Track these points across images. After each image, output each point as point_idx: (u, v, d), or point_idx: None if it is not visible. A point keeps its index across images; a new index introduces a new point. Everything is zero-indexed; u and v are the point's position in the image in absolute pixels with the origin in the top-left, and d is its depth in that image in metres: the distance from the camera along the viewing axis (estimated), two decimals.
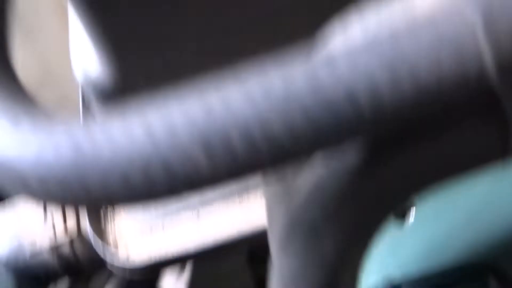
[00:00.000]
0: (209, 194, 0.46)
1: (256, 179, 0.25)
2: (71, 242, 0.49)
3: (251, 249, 0.57)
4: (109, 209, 0.48)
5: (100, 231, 0.48)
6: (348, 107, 0.22)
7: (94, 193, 0.24)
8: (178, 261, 0.46)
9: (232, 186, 0.45)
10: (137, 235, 0.47)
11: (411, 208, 0.41)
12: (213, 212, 0.46)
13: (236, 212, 0.46)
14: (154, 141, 0.23)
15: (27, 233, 0.51)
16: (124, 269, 0.47)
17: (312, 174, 0.27)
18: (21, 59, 0.63)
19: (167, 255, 0.46)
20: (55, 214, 0.51)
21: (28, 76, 0.65)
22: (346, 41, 0.26)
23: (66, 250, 0.50)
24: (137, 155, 0.23)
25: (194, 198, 0.46)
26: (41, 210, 0.51)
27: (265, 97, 0.23)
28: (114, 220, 0.48)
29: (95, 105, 0.42)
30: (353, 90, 0.22)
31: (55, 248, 0.49)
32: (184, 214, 0.47)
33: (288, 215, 0.29)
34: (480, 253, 0.37)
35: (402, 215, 0.41)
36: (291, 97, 0.23)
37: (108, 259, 0.47)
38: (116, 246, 0.47)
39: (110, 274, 0.59)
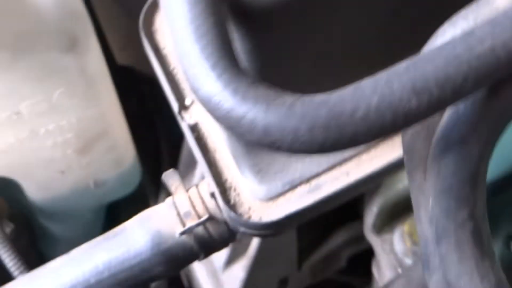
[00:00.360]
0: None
1: None
2: (203, 223, 0.62)
3: None
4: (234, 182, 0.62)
5: (229, 198, 0.61)
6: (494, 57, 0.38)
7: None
8: (306, 215, 0.60)
9: None
10: (264, 197, 0.60)
11: None
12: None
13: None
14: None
15: (164, 224, 0.64)
16: (256, 230, 0.60)
17: None
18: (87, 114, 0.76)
19: (297, 210, 0.60)
20: (183, 203, 0.64)
21: (87, 128, 0.78)
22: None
23: (201, 231, 0.63)
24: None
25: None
26: (171, 203, 0.64)
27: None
28: (240, 187, 0.61)
29: None
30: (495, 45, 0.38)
31: (190, 232, 0.63)
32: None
33: (436, 139, 0.44)
34: None
35: None
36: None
37: (241, 224, 0.60)
38: (247, 212, 0.60)
39: None
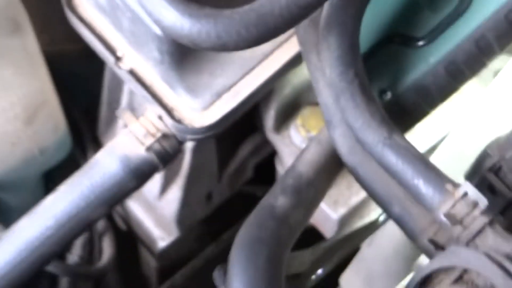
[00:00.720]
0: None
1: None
2: (158, 140, 0.78)
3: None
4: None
5: (174, 116, 0.77)
6: None
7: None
8: (233, 115, 0.77)
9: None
10: (199, 109, 0.77)
11: None
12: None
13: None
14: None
15: (127, 147, 0.78)
16: (199, 134, 0.77)
17: None
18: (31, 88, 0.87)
19: (226, 113, 0.76)
20: (138, 129, 0.79)
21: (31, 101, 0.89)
22: None
23: (157, 147, 0.78)
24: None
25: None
26: (127, 131, 0.79)
27: None
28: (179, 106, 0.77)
29: None
30: None
31: (150, 149, 0.78)
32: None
33: (322, 27, 0.61)
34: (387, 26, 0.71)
35: None
36: None
37: (188, 133, 0.76)
38: (190, 122, 0.76)
39: None
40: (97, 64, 1.00)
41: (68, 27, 0.89)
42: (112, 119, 1.07)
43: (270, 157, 1.10)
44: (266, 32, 0.56)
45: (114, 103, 1.02)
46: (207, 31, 0.55)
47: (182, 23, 0.55)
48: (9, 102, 0.86)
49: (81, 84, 1.08)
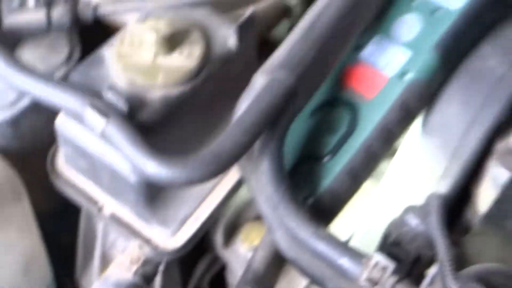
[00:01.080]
0: None
1: None
2: (142, 265, 0.94)
3: None
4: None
5: (151, 244, 0.93)
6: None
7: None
8: (197, 235, 0.94)
9: None
10: (170, 235, 0.94)
11: None
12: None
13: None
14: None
15: (118, 275, 0.94)
16: (173, 254, 0.93)
17: None
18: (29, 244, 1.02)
19: (191, 234, 0.93)
20: (125, 259, 0.94)
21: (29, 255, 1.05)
22: None
23: (141, 270, 0.94)
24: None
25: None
26: (117, 262, 0.95)
27: None
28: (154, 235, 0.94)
29: None
30: None
31: (136, 273, 0.93)
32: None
33: (256, 156, 0.81)
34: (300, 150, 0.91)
35: None
36: None
37: (164, 255, 0.93)
38: (164, 247, 0.93)
39: None
40: (70, 219, 1.16)
41: (45, 191, 1.05)
42: (87, 261, 1.22)
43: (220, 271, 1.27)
44: (220, 167, 0.75)
45: (89, 246, 1.17)
46: (179, 174, 0.74)
47: (161, 170, 0.74)
48: (13, 257, 1.01)
49: (57, 236, 1.23)
